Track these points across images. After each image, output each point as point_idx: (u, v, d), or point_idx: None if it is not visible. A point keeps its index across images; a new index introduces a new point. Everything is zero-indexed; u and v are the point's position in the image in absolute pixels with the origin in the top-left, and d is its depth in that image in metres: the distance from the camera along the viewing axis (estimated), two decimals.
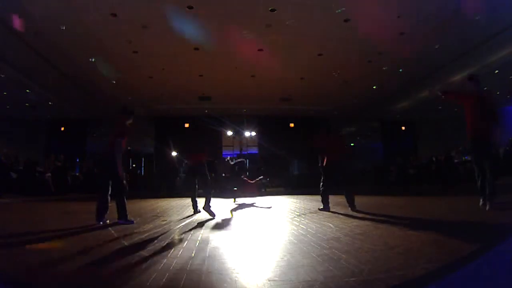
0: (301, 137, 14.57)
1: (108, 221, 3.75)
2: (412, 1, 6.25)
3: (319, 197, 4.88)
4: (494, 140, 3.81)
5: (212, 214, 4.26)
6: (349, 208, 4.51)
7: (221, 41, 7.68)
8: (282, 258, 2.10)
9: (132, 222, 3.74)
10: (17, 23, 6.44)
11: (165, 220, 3.97)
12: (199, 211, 4.60)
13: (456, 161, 11.30)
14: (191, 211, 4.70)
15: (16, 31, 6.76)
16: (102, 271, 1.90)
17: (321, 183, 4.87)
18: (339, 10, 5.94)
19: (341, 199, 4.78)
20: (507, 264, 1.67)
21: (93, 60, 8.47)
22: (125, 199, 3.78)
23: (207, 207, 4.32)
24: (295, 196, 7.81)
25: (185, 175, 5.57)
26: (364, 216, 3.92)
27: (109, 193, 3.79)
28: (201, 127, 13.52)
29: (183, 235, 3.02)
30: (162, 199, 6.18)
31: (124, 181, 3.86)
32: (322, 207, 4.74)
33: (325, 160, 4.87)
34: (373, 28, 7.13)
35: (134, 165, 15.29)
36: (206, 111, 13.29)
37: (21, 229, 3.53)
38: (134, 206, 5.91)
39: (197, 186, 4.77)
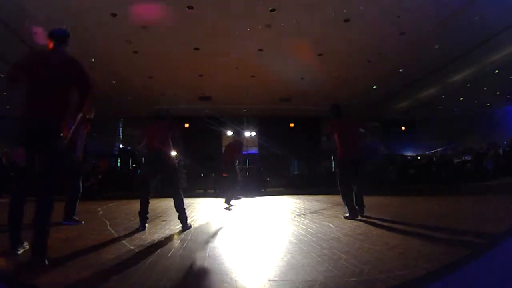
0: (301, 137, 14.61)
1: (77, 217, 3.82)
2: (412, 1, 6.25)
3: (319, 197, 4.81)
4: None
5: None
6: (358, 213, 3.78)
7: (221, 41, 7.68)
8: (282, 258, 2.10)
9: (80, 222, 3.74)
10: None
11: (165, 220, 3.96)
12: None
13: (457, 160, 11.31)
14: (191, 211, 4.70)
15: (16, 31, 6.77)
16: (102, 271, 1.90)
17: (339, 184, 3.96)
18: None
19: (341, 199, 4.75)
20: (507, 264, 1.67)
21: (93, 60, 8.47)
22: (78, 199, 3.86)
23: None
24: (295, 196, 7.81)
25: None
26: (364, 216, 3.91)
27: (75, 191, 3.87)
28: (201, 127, 13.58)
29: (183, 235, 3.02)
30: (162, 199, 6.17)
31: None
32: (347, 214, 3.81)
33: (341, 154, 3.99)
34: (373, 28, 7.14)
35: (134, 165, 15.29)
36: (206, 111, 13.29)
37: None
38: (134, 206, 5.91)
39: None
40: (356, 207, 3.80)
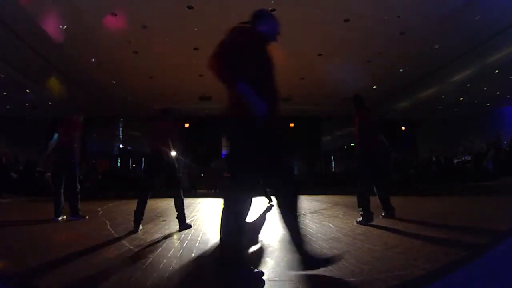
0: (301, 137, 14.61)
1: (65, 217, 3.97)
2: (412, 1, 6.25)
3: (319, 197, 4.77)
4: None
5: None
6: (383, 214, 3.62)
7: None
8: (282, 258, 2.10)
9: (84, 218, 4.03)
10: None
11: (165, 220, 3.96)
12: None
13: (457, 160, 11.31)
14: (192, 211, 4.70)
15: (16, 31, 6.77)
16: (102, 271, 1.90)
17: (360, 182, 3.53)
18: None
19: (341, 199, 4.74)
20: (507, 264, 1.67)
21: (93, 60, 8.47)
22: (79, 195, 4.08)
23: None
24: None
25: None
26: None
27: (62, 188, 4.05)
28: (201, 127, 13.57)
29: (183, 235, 3.02)
30: (162, 199, 6.17)
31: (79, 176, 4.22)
32: (360, 219, 3.38)
33: (363, 146, 3.59)
34: (373, 28, 7.13)
35: (134, 165, 15.29)
36: (206, 111, 13.29)
37: (20, 228, 3.53)
38: (134, 206, 5.91)
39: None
40: (371, 211, 3.44)
